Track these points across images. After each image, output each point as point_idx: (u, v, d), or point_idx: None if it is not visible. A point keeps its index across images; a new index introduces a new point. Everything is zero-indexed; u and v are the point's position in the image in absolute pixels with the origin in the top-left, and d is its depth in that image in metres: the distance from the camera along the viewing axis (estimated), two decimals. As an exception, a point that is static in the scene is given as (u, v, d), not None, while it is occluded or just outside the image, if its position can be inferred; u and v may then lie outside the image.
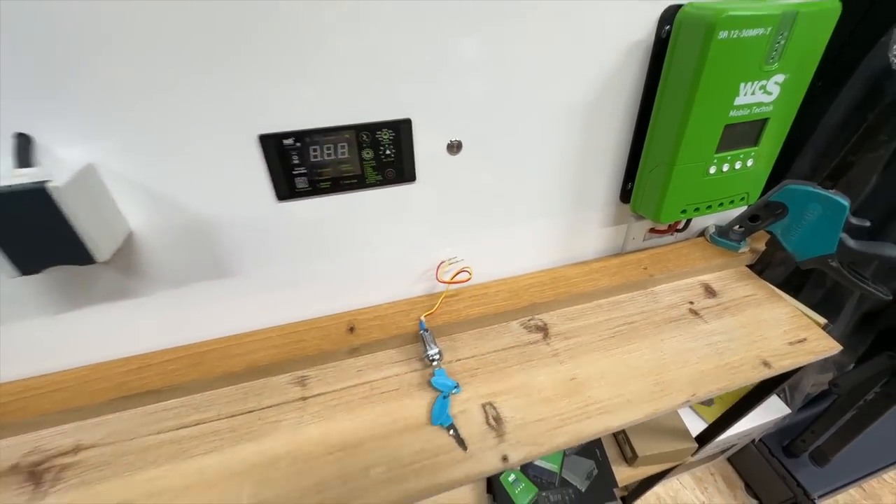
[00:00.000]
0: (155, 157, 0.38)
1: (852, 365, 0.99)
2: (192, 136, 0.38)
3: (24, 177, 0.33)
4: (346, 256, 0.51)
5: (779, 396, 1.06)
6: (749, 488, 1.23)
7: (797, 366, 0.53)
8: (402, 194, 0.48)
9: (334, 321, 0.53)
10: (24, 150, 0.34)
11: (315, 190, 0.44)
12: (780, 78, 0.45)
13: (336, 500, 0.40)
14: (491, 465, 0.43)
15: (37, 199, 0.32)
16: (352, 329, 0.52)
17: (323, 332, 0.52)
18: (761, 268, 0.72)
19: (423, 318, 0.52)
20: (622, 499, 1.12)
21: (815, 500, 1.06)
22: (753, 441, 1.18)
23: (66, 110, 0.34)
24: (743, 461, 1.24)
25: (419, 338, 0.52)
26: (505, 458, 0.43)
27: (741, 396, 0.72)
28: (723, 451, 1.17)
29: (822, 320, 0.57)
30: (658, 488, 1.23)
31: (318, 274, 0.51)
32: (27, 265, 0.35)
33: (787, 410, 1.02)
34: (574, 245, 0.61)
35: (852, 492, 1.21)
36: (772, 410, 1.02)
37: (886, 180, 0.75)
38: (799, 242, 0.58)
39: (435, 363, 0.49)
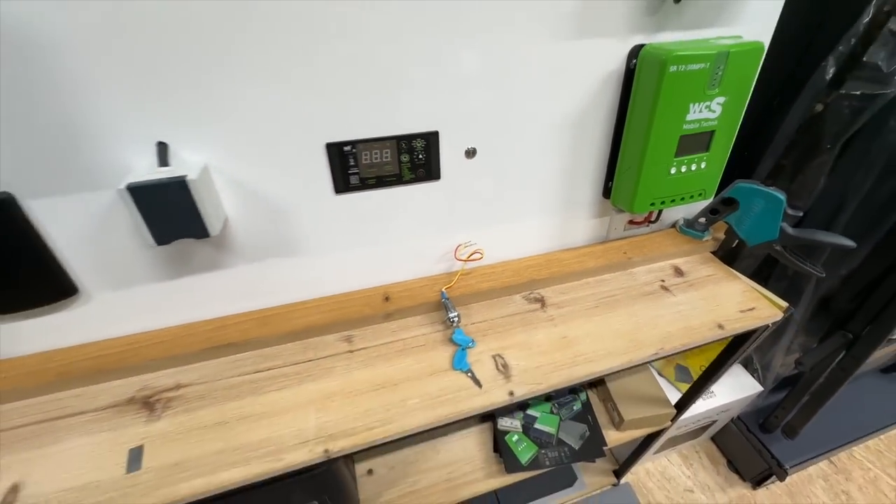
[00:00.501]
0: (247, 161, 0.51)
1: (815, 346, 1.11)
2: (276, 143, 0.51)
3: (166, 173, 0.46)
4: (385, 240, 0.63)
5: (753, 377, 1.18)
6: (730, 464, 1.34)
7: (746, 329, 0.66)
8: (430, 190, 0.61)
9: (373, 293, 0.66)
10: (163, 153, 0.47)
11: (364, 185, 0.57)
12: (721, 99, 0.58)
13: (381, 420, 0.52)
14: (500, 398, 0.55)
15: (177, 189, 0.45)
16: (387, 298, 0.65)
17: (364, 301, 0.65)
18: (731, 259, 0.85)
19: (444, 289, 0.65)
20: (614, 472, 1.23)
21: (787, 470, 1.17)
22: (733, 419, 1.30)
23: (189, 125, 0.47)
24: (724, 439, 1.36)
25: (441, 305, 0.64)
26: (511, 393, 0.55)
27: (708, 367, 0.84)
28: (705, 429, 1.29)
29: (784, 304, 0.69)
30: (648, 464, 1.34)
31: (361, 254, 0.64)
32: (163, 238, 0.48)
33: (760, 388, 1.14)
34: (566, 234, 0.74)
35: (823, 466, 1.33)
36: (747, 388, 1.14)
37: (831, 182, 0.88)
38: (749, 230, 0.71)
39: (454, 324, 0.62)
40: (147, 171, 0.46)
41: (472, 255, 0.68)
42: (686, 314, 0.66)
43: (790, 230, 0.68)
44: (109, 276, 0.54)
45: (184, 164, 0.49)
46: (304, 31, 0.45)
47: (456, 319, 0.62)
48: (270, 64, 0.46)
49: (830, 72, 0.80)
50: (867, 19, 0.75)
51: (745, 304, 0.68)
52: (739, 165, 0.91)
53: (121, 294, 0.56)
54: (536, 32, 0.53)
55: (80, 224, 0.50)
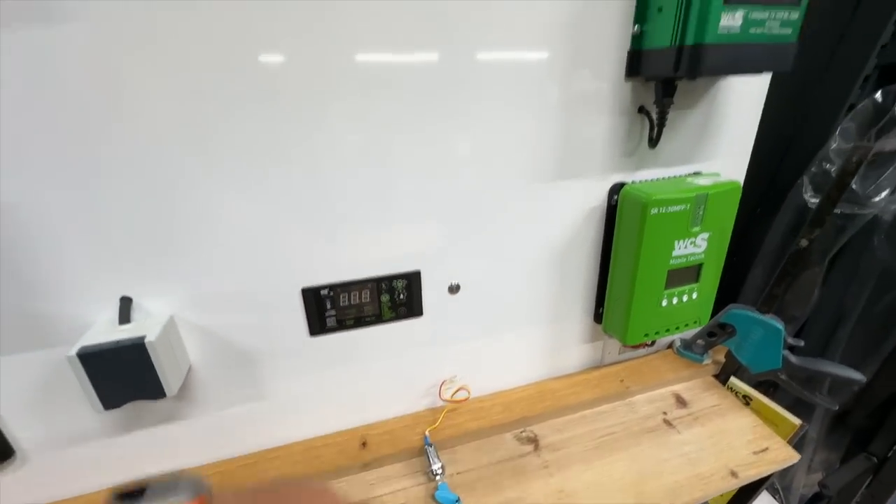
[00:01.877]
0: (217, 307, 0.49)
1: (838, 464, 1.02)
2: (247, 288, 0.49)
3: (125, 332, 0.43)
4: (363, 378, 0.59)
5: (774, 498, 1.07)
6: None
7: (761, 476, 0.59)
8: (412, 326, 0.58)
9: (350, 436, 0.60)
10: (125, 310, 0.45)
11: (341, 326, 0.54)
12: (705, 235, 0.58)
13: None
14: (490, 580, 0.47)
15: (133, 351, 0.42)
16: (364, 444, 0.59)
17: (339, 448, 0.58)
18: (736, 368, 0.80)
19: (427, 432, 0.59)
20: None
21: None
22: (760, 548, 1.16)
23: (155, 278, 0.46)
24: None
25: (424, 451, 0.58)
26: (503, 573, 0.48)
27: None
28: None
29: (798, 421, 0.64)
30: None
31: (338, 395, 0.59)
32: (112, 402, 0.43)
33: (784, 513, 1.03)
34: (558, 361, 0.70)
35: None
36: (769, 513, 1.03)
37: (826, 294, 0.86)
38: (751, 358, 0.67)
39: (438, 478, 0.55)
40: (106, 328, 0.44)
41: (456, 391, 0.63)
42: (694, 459, 0.60)
43: (794, 359, 0.65)
44: (52, 436, 0.49)
45: (147, 316, 0.46)
46: (276, 177, 0.45)
47: (440, 472, 0.55)
48: (241, 211, 0.45)
49: (808, 191, 0.82)
50: (834, 145, 0.79)
51: (756, 442, 0.62)
52: (729, 271, 0.90)
53: (64, 454, 0.50)
54: (520, 179, 0.54)
55: (24, 383, 0.46)
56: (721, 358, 0.74)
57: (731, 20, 0.44)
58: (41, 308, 0.43)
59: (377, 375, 0.60)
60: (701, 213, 0.56)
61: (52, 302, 0.43)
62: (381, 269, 0.53)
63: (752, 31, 0.45)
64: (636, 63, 0.52)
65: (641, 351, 0.75)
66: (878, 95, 0.77)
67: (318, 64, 0.42)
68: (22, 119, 0.37)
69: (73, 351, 0.40)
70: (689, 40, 0.45)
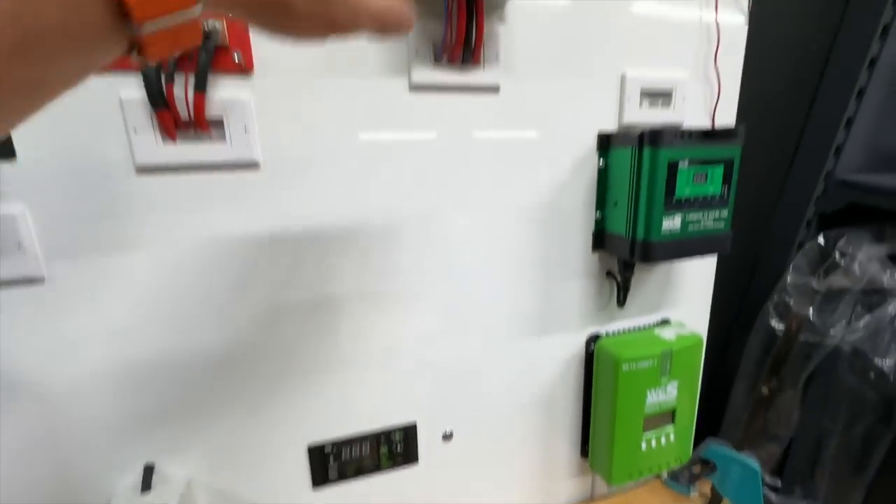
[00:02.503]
0: (231, 469, 0.53)
1: None
2: (259, 452, 0.54)
3: (146, 500, 0.47)
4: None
5: None
6: None
7: None
8: (408, 472, 0.61)
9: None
10: (147, 478, 0.49)
11: (342, 477, 0.58)
12: (674, 384, 0.64)
13: None
14: None
15: (153, 523, 0.46)
16: None
17: None
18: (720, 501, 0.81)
19: (422, 583, 0.61)
20: None
21: None
22: None
23: (178, 446, 0.51)
24: None
25: None
26: None
27: None
28: None
29: None
30: None
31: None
32: (127, 573, 0.46)
33: None
34: (550, 496, 0.73)
35: None
36: None
37: (805, 417, 0.90)
38: (734, 495, 0.70)
39: None
40: (127, 497, 0.48)
41: (451, 538, 0.65)
42: None
43: (774, 499, 0.68)
44: None
45: (168, 480, 0.50)
46: (287, 357, 0.52)
47: None
48: (258, 389, 0.52)
49: (773, 317, 0.90)
50: (790, 279, 0.88)
51: (747, 590, 0.63)
52: (714, 385, 0.94)
53: None
54: (507, 333, 0.61)
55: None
56: (707, 491, 0.76)
57: (671, 223, 0.54)
58: (70, 477, 0.48)
59: (374, 522, 0.62)
60: (668, 366, 0.62)
61: (73, 467, 0.48)
62: (380, 422, 0.58)
63: (691, 228, 0.55)
64: (600, 240, 0.62)
65: (630, 483, 0.78)
66: (821, 239, 0.87)
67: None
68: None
69: (99, 526, 0.44)
70: (640, 236, 0.54)
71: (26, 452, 0.45)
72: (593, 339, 0.65)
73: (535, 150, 0.56)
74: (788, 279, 0.88)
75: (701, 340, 0.65)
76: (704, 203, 0.55)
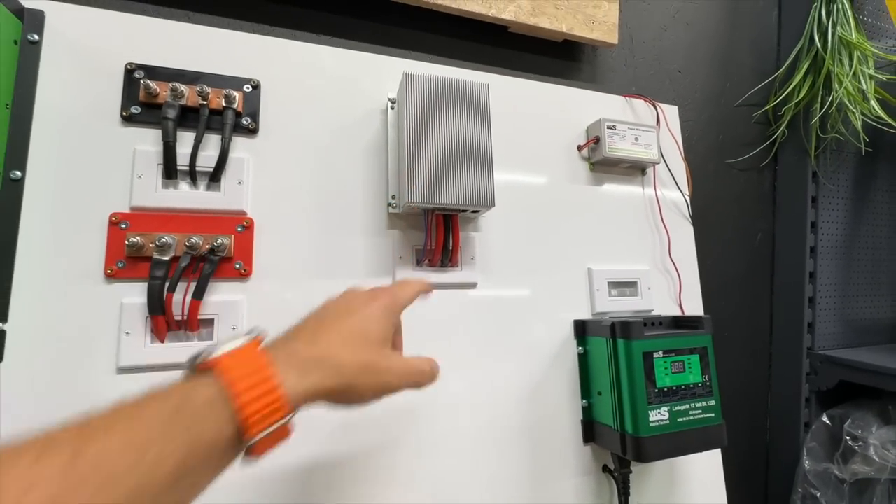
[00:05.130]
0: None
1: None
2: None
3: None
4: None
5: None
6: None
7: None
8: None
9: None
10: None
11: None
12: None
13: None
14: None
15: None
16: None
17: None
18: None
19: None
20: None
21: None
22: None
23: None
24: None
25: None
26: None
27: None
28: None
29: None
30: None
31: None
32: None
33: None
34: None
35: None
36: None
37: None
38: None
39: None
40: None
41: None
42: None
43: None
44: None
45: None
46: None
47: None
48: None
49: None
50: (807, 466, 0.80)
51: None
52: None
53: None
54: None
55: None
56: None
57: (659, 415, 0.52)
58: None
59: None
60: None
61: None
62: None
63: (680, 420, 0.53)
64: (590, 431, 0.59)
65: None
66: (825, 419, 0.83)
67: None
68: None
69: None
70: (629, 430, 0.52)
71: None
72: (600, 554, 0.56)
73: (514, 342, 0.58)
74: (806, 465, 0.81)
75: None
76: (688, 392, 0.54)
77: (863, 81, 0.78)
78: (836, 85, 0.78)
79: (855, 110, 0.78)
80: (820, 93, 0.81)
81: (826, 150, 0.86)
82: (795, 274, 0.85)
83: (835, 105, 0.79)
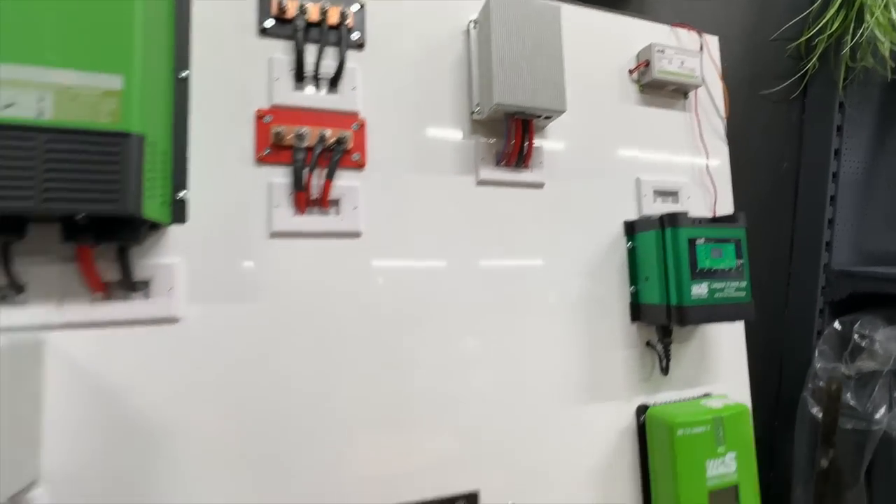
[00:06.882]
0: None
1: None
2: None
3: None
4: None
5: None
6: None
7: None
8: (469, 555, 0.58)
9: None
10: None
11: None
12: (732, 454, 0.64)
13: None
14: None
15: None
16: None
17: None
18: None
19: None
20: None
21: None
22: None
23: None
24: None
25: None
26: None
27: None
28: None
29: None
30: None
31: None
32: None
33: None
34: None
35: None
36: None
37: (878, 516, 0.84)
38: None
39: None
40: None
41: None
42: None
43: None
44: None
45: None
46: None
47: None
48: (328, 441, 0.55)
49: (813, 406, 0.91)
50: (818, 365, 0.91)
51: None
52: (771, 491, 0.89)
53: None
54: (556, 399, 0.64)
55: None
56: None
57: (699, 289, 0.62)
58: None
59: None
60: (721, 433, 0.64)
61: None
62: (444, 489, 0.58)
63: (717, 295, 0.63)
64: (637, 312, 0.70)
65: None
66: (837, 325, 0.94)
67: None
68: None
69: None
70: (673, 302, 0.63)
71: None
72: (642, 410, 0.68)
73: (573, 236, 0.68)
74: (817, 365, 0.92)
75: (747, 409, 0.67)
76: (724, 274, 0.64)
77: (893, 12, 0.83)
78: (867, 16, 0.84)
79: (885, 40, 0.84)
80: (852, 25, 0.87)
81: (853, 82, 0.93)
82: (817, 195, 0.93)
83: (865, 35, 0.85)
